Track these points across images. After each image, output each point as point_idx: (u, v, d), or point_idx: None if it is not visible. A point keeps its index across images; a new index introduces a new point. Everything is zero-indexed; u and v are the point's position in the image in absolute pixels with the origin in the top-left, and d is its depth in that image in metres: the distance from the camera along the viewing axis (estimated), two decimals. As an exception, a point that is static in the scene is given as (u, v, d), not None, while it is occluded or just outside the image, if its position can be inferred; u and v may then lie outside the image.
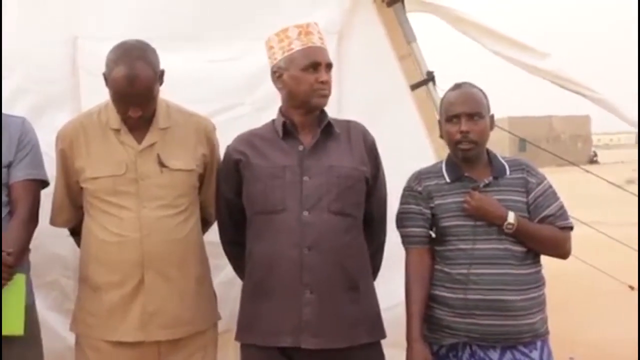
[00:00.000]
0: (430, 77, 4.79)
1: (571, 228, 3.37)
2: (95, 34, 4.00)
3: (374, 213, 3.49)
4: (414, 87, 4.83)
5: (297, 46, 3.30)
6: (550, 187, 3.37)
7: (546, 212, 3.31)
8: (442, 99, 3.44)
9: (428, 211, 3.36)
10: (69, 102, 4.04)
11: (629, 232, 9.39)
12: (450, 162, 3.41)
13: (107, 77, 3.28)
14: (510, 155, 3.54)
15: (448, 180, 3.36)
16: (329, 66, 3.33)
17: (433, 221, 3.36)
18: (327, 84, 3.30)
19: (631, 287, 8.64)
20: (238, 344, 3.40)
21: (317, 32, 3.35)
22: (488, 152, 3.40)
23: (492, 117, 3.39)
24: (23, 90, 4.01)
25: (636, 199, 6.81)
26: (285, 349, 3.23)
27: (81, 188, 3.42)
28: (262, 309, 3.27)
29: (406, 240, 3.43)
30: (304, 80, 3.28)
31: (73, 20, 4.13)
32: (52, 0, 4.16)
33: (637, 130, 4.75)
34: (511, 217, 3.22)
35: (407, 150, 4.24)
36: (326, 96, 3.32)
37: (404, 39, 4.90)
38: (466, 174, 3.33)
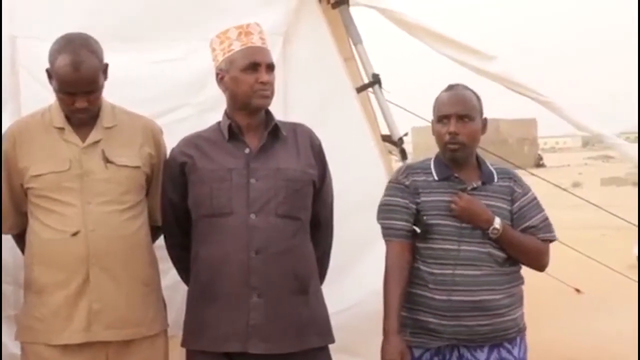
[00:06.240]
0: (376, 80, 4.78)
1: (552, 241, 3.40)
2: (35, 34, 3.91)
3: (320, 217, 3.45)
4: (359, 89, 4.82)
5: (236, 47, 3.26)
6: (535, 198, 3.39)
7: (529, 223, 3.32)
8: (436, 99, 3.41)
9: (414, 206, 3.32)
10: (9, 103, 3.95)
11: (576, 235, 9.50)
12: (439, 161, 3.38)
13: (50, 71, 3.24)
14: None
15: (436, 178, 3.34)
16: (270, 67, 3.28)
17: (417, 217, 3.32)
18: (268, 84, 3.25)
19: (577, 290, 8.76)
20: (183, 350, 3.34)
21: (258, 33, 3.32)
22: (477, 157, 3.40)
23: (484, 120, 3.39)
24: None
25: (582, 202, 6.91)
26: (233, 353, 3.18)
27: (25, 193, 3.34)
28: (209, 313, 3.22)
29: (388, 232, 3.37)
30: (243, 81, 3.24)
31: (13, 20, 4.04)
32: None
33: (584, 133, 4.77)
34: (497, 222, 3.23)
35: (353, 152, 4.22)
36: (267, 97, 3.27)
37: (349, 41, 4.89)
38: (455, 175, 3.32)
